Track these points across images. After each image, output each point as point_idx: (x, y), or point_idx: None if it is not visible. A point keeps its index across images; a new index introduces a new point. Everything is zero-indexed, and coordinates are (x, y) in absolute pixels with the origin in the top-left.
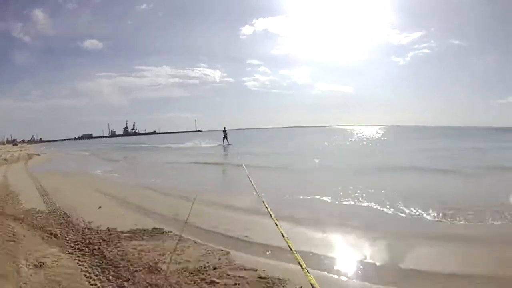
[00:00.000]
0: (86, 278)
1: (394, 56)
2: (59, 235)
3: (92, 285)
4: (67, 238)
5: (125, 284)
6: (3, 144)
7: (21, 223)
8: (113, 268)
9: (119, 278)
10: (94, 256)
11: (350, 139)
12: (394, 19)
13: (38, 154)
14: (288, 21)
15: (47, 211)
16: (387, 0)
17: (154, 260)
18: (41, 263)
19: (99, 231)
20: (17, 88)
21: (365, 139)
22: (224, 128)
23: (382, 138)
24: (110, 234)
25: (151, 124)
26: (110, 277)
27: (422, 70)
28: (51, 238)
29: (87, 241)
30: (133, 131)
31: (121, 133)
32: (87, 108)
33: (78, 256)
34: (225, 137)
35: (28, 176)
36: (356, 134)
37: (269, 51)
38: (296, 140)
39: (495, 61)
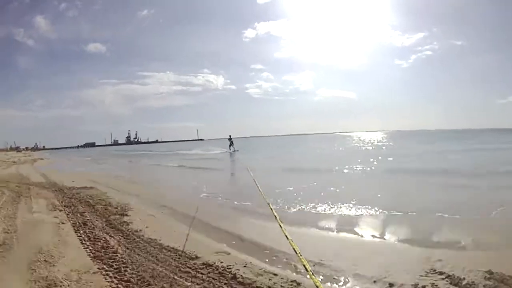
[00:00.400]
0: (58, 200)
1: (397, 59)
2: (50, 188)
3: (60, 201)
4: (53, 189)
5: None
6: (7, 150)
7: (31, 186)
8: (69, 199)
9: (68, 206)
10: (61, 191)
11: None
12: (395, 20)
13: (42, 159)
14: (290, 24)
15: (45, 182)
16: (388, 2)
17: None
18: (38, 193)
19: (67, 187)
20: (20, 97)
21: (370, 143)
22: (230, 136)
23: (390, 143)
24: (72, 187)
25: (153, 133)
26: (66, 200)
27: (425, 73)
28: (46, 189)
29: (60, 187)
30: (135, 140)
31: (124, 141)
32: (90, 117)
33: (56, 192)
34: (231, 144)
35: (34, 170)
36: (366, 140)
37: (272, 54)
38: (312, 148)
39: (497, 60)
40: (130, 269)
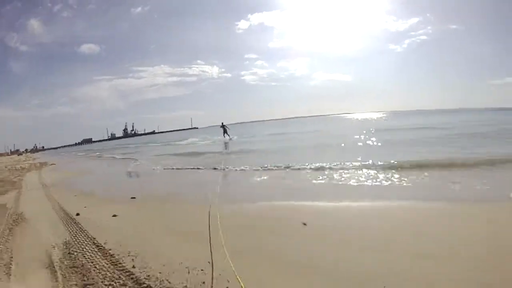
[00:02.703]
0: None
1: (392, 44)
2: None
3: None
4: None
5: None
6: (8, 155)
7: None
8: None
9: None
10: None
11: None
12: (390, 5)
13: (46, 163)
14: (284, 15)
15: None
16: None
17: None
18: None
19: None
20: (16, 98)
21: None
22: (222, 123)
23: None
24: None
25: (150, 124)
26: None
27: (420, 57)
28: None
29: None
30: (133, 132)
31: (121, 135)
32: (86, 113)
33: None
34: (225, 131)
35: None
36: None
37: (266, 44)
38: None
39: (491, 43)
40: None
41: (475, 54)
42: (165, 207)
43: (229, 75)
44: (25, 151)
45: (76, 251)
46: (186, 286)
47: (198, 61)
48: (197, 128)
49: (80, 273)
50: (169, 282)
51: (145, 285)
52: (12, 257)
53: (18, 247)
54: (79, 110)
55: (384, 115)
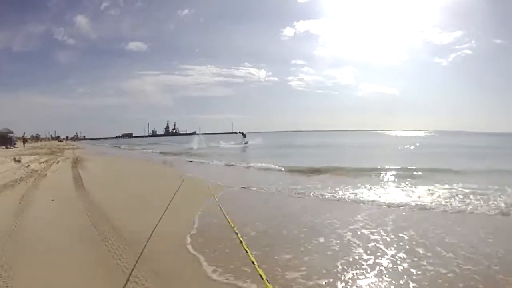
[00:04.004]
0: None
1: (437, 57)
2: None
3: None
4: None
5: None
6: (49, 140)
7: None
8: None
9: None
10: None
11: None
12: (434, 18)
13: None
14: (330, 23)
15: None
16: None
17: None
18: None
19: None
20: (63, 86)
21: None
22: (242, 132)
23: None
24: None
25: (192, 124)
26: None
27: (465, 72)
28: None
29: None
30: (174, 131)
31: (162, 132)
32: (131, 106)
33: None
34: (244, 137)
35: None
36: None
37: (311, 51)
38: None
39: None
40: None
41: None
42: None
43: (276, 79)
44: (66, 138)
45: None
46: None
47: (246, 63)
48: (237, 133)
49: None
50: None
51: None
52: None
53: None
54: (124, 102)
55: (431, 134)
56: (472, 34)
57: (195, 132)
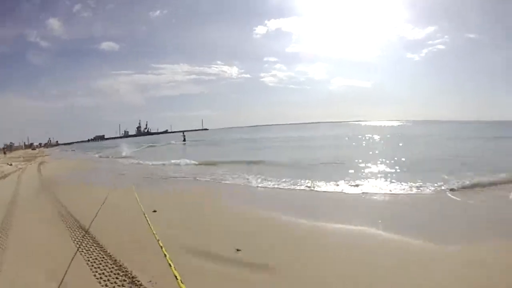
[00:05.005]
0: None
1: (409, 52)
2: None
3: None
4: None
5: None
6: (23, 148)
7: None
8: None
9: None
10: None
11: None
12: (407, 12)
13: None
14: (301, 21)
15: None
16: None
17: None
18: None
19: None
20: (35, 88)
21: None
22: (183, 132)
23: None
24: None
25: (164, 122)
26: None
27: (437, 66)
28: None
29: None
30: (146, 130)
31: (134, 133)
32: (103, 107)
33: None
34: (184, 139)
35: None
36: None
37: (283, 49)
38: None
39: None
40: None
41: (493, 64)
42: None
43: (248, 75)
44: (39, 145)
45: None
46: None
47: (218, 62)
48: (207, 129)
49: None
50: None
51: None
52: None
53: None
54: (97, 103)
55: (402, 123)
56: (445, 29)
57: (166, 130)
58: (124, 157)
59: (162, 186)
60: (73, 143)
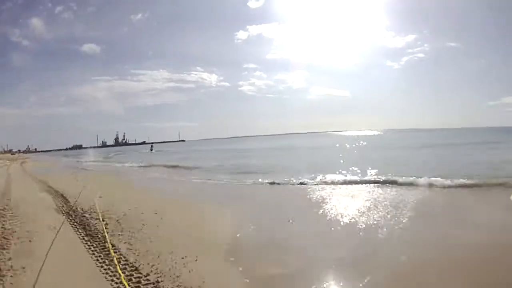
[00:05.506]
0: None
1: (389, 60)
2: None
3: None
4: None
5: None
6: (2, 153)
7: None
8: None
9: None
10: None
11: None
12: (388, 21)
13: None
14: (282, 28)
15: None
16: (380, 2)
17: None
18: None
19: None
20: (12, 95)
21: None
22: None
23: None
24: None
25: (141, 133)
26: None
27: (417, 74)
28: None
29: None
30: (124, 141)
31: (112, 143)
32: (82, 116)
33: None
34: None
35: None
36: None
37: (264, 55)
38: None
39: (490, 62)
40: None
41: (473, 73)
42: None
43: (227, 84)
44: (18, 151)
45: None
46: None
47: (198, 68)
48: (184, 140)
49: None
50: None
51: None
52: None
53: None
54: (75, 112)
55: (380, 133)
56: (425, 38)
57: (144, 141)
58: (86, 161)
59: (95, 173)
60: (51, 150)
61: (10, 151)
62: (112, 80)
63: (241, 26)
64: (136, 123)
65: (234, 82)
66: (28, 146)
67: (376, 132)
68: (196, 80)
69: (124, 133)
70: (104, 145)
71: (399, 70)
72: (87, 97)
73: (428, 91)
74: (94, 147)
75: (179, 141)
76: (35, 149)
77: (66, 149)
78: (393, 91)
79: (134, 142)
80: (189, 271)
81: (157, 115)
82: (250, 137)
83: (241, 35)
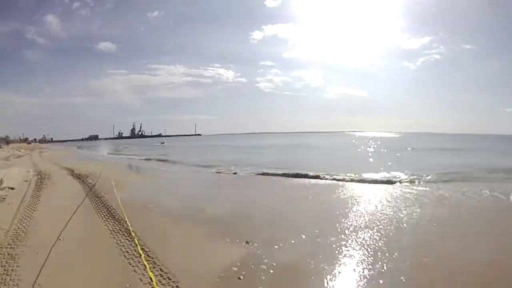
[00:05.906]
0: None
1: (406, 61)
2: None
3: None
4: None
5: None
6: (18, 142)
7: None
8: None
9: None
10: None
11: None
12: (404, 22)
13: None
14: (298, 28)
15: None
16: (397, 4)
17: None
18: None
19: None
20: (31, 85)
21: None
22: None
23: None
24: None
25: (158, 125)
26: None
27: (433, 76)
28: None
29: None
30: (140, 133)
31: (128, 134)
32: (98, 106)
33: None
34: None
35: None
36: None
37: (280, 54)
38: None
39: (507, 66)
40: None
41: (490, 76)
42: None
43: (244, 80)
44: (34, 140)
45: None
46: None
47: (215, 64)
48: (200, 134)
49: None
50: None
51: None
52: None
53: None
54: (92, 102)
55: (395, 135)
56: (441, 39)
57: (160, 134)
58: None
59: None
60: (67, 141)
61: (25, 140)
62: (129, 74)
63: (257, 26)
64: (153, 116)
65: (251, 78)
66: (44, 135)
67: (391, 135)
68: (212, 75)
69: (141, 124)
70: (120, 136)
71: (415, 71)
72: (104, 89)
73: (444, 93)
74: (110, 138)
75: (195, 135)
76: (51, 138)
77: (82, 139)
78: (410, 93)
79: (150, 134)
80: None
81: (174, 108)
82: (267, 134)
83: (256, 35)
